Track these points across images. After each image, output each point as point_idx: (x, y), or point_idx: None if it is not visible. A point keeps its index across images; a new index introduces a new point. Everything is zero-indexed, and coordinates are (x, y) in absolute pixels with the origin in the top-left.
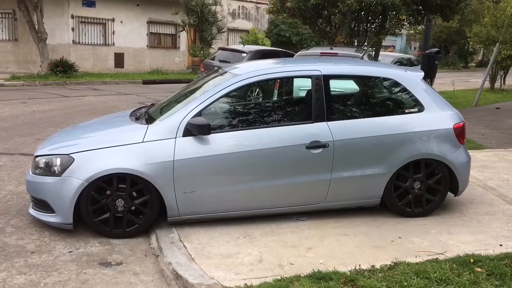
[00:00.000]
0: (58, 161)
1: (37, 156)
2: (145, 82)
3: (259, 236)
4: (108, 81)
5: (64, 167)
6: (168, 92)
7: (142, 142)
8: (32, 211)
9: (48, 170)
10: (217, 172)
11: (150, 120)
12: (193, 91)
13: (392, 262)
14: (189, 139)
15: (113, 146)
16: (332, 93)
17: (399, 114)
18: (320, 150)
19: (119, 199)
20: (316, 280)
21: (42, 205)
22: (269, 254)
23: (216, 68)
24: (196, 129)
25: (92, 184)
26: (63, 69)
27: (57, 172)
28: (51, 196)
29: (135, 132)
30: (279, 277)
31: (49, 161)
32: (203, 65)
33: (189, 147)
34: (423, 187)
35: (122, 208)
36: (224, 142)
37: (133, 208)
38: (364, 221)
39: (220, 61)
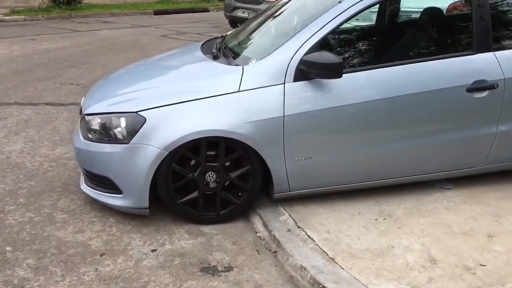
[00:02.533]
0: (122, 121)
1: (88, 114)
2: (157, 13)
3: (404, 217)
4: (116, 13)
5: (132, 131)
6: (188, 23)
7: (238, 91)
8: (86, 189)
9: (107, 134)
10: (343, 129)
11: (235, 57)
12: (286, 16)
13: None
14: (303, 84)
15: (198, 98)
16: (500, 9)
17: None
18: (485, 93)
19: (210, 172)
20: None
21: (103, 183)
22: (438, 248)
23: None
24: (319, 70)
25: (173, 154)
26: (66, 1)
27: (122, 137)
28: (116, 171)
29: (226, 77)
30: None
31: (108, 122)
32: None
33: (305, 97)
34: None
35: (214, 184)
36: (355, 86)
37: (226, 183)
38: None
39: None
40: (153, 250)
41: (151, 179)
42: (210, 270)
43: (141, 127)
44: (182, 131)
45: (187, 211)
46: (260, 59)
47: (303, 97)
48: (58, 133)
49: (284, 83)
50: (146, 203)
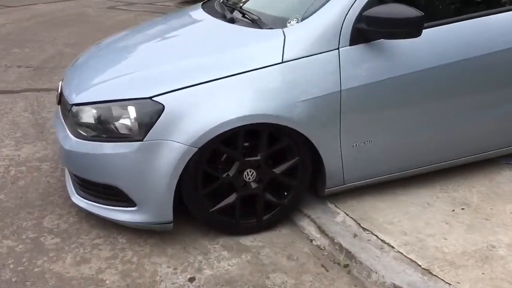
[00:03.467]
0: (131, 111)
1: (77, 104)
2: None
3: (484, 204)
4: None
5: (147, 123)
6: None
7: (282, 62)
8: (80, 201)
9: (108, 130)
10: (412, 103)
11: (263, 18)
12: None
13: None
14: (363, 49)
15: (231, 74)
16: None
17: None
18: None
19: (248, 170)
20: None
21: (107, 193)
22: None
23: None
24: (389, 28)
25: (204, 150)
26: None
27: (131, 133)
28: (127, 177)
29: (263, 45)
30: None
31: (108, 113)
32: None
33: (366, 64)
34: None
35: (254, 183)
36: (433, 46)
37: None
38: None
39: None
40: (191, 279)
41: (175, 184)
42: None
43: (158, 118)
44: (216, 119)
45: (221, 220)
46: (303, 19)
47: (364, 64)
48: (19, 128)
49: (338, 48)
50: (169, 215)
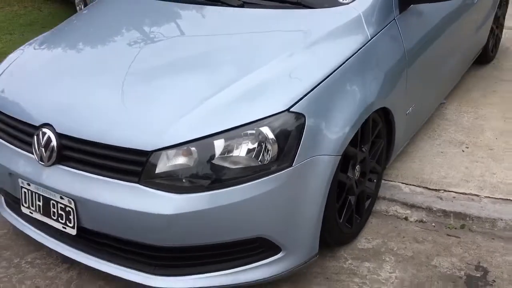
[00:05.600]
0: (267, 133)
1: (176, 145)
2: None
3: None
4: None
5: (291, 143)
6: None
7: (370, 40)
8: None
9: (233, 169)
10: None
11: None
12: None
13: None
14: (408, 15)
15: (345, 61)
16: None
17: None
18: None
19: (358, 165)
20: None
21: (242, 251)
22: None
23: None
24: None
25: (340, 155)
26: None
27: (274, 161)
28: (275, 219)
29: (348, 26)
30: None
31: (232, 146)
32: None
33: (412, 27)
34: None
35: (362, 179)
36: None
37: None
38: None
39: None
40: None
41: (325, 204)
42: None
43: (302, 133)
44: (353, 113)
45: (344, 230)
46: None
47: (411, 27)
48: None
49: (394, 18)
50: (316, 246)
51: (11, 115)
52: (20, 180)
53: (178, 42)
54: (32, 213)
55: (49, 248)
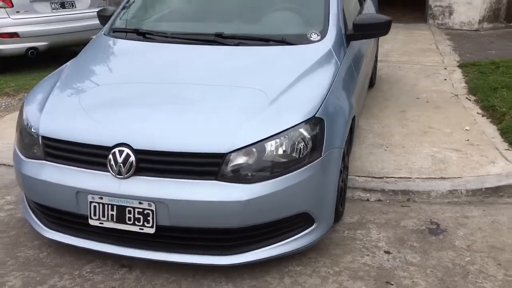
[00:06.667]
0: (306, 133)
1: (247, 146)
2: None
3: None
4: None
5: (320, 139)
6: None
7: (340, 66)
8: (250, 255)
9: (286, 161)
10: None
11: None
12: None
13: None
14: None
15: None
16: None
17: None
18: None
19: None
20: None
21: (293, 224)
22: None
23: None
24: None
25: (343, 148)
26: None
27: (311, 153)
28: (313, 198)
29: (323, 55)
30: None
31: (290, 142)
32: None
33: (349, 57)
34: None
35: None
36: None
37: None
38: None
39: None
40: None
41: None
42: None
43: (324, 132)
44: (346, 116)
45: (339, 209)
46: (321, 29)
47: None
48: None
49: (346, 50)
50: (332, 218)
51: (76, 141)
52: (90, 196)
53: (216, 68)
54: (102, 223)
55: (102, 258)
